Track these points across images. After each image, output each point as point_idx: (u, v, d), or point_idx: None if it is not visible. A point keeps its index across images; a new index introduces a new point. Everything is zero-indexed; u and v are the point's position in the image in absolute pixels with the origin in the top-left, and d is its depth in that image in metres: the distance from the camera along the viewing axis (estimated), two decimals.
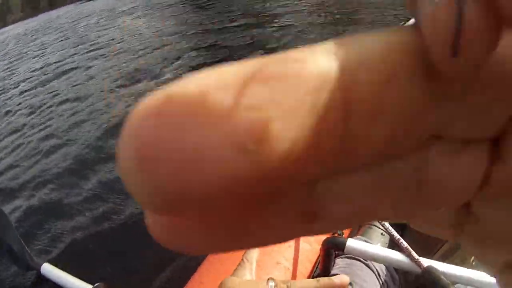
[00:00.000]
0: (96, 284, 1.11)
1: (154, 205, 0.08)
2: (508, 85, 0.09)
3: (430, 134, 0.09)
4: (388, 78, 0.08)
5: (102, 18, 15.45)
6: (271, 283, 0.52)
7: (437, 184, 0.10)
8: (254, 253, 0.70)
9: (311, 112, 0.08)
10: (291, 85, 0.08)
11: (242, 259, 0.68)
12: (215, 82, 0.08)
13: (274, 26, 7.79)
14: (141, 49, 8.45)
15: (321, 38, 6.33)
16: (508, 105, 0.09)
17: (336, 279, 0.58)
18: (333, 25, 7.45)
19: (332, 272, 1.09)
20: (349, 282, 0.57)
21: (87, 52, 9.29)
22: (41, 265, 1.22)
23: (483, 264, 0.15)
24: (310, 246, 1.21)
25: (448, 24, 0.08)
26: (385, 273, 1.17)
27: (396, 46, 0.09)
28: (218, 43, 7.57)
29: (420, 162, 0.10)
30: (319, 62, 0.08)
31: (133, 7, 16.64)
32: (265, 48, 6.49)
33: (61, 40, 12.21)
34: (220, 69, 0.08)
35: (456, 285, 1.10)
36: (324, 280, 0.58)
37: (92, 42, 10.36)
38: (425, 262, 0.88)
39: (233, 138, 0.07)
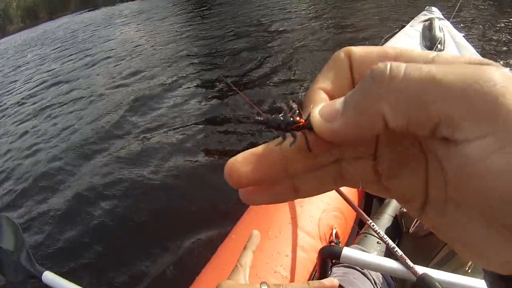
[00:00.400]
0: None
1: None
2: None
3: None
4: None
5: (99, 28, 15.51)
6: (264, 287, 0.53)
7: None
8: (248, 258, 0.71)
9: None
10: None
11: (236, 265, 0.69)
12: None
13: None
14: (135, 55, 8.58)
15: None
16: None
17: (326, 281, 0.59)
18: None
19: None
20: (339, 284, 0.58)
21: (83, 62, 9.36)
22: (42, 273, 1.23)
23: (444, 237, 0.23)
24: (307, 254, 1.21)
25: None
26: (381, 281, 1.18)
27: None
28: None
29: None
30: None
31: (131, 16, 16.74)
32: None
33: (60, 51, 12.24)
34: None
35: None
36: (314, 283, 0.59)
37: (90, 52, 10.40)
38: (420, 270, 0.88)
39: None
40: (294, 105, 0.23)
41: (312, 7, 11.12)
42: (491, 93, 0.17)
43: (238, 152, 0.24)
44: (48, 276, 1.23)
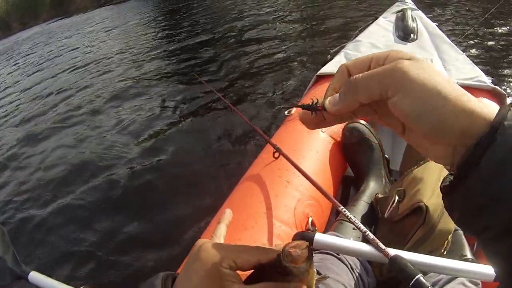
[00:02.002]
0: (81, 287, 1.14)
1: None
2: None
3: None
4: None
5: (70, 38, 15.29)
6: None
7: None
8: (222, 230, 0.75)
9: None
10: None
11: (212, 236, 0.72)
12: None
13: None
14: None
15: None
16: None
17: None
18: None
19: None
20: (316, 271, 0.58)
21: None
22: (29, 273, 1.23)
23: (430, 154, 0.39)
24: (283, 243, 1.21)
25: None
26: (358, 266, 1.18)
27: None
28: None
29: None
30: None
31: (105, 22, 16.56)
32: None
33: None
34: None
35: (429, 274, 1.12)
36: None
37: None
38: (392, 252, 0.89)
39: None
40: (315, 100, 0.46)
41: (289, 2, 11.21)
42: (400, 73, 0.36)
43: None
44: (35, 276, 1.23)
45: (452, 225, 1.20)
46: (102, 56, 9.58)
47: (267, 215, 1.29)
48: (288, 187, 1.43)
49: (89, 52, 10.60)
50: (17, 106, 7.59)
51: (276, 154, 1.55)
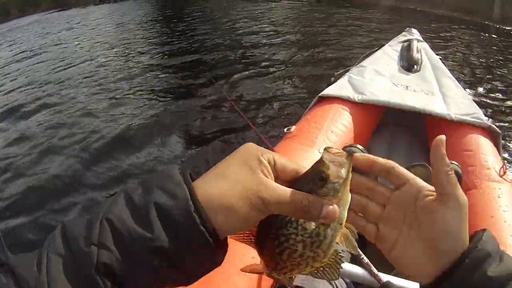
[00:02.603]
0: None
1: None
2: None
3: None
4: None
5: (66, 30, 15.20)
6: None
7: None
8: None
9: None
10: None
11: None
12: None
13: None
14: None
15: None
16: None
17: None
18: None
19: (294, 284, 1.12)
20: None
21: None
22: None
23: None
24: None
25: None
26: (344, 287, 1.21)
27: None
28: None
29: None
30: None
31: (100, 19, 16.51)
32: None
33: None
34: None
35: None
36: None
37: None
38: (384, 277, 0.92)
39: None
40: None
41: (291, 22, 11.31)
42: None
43: None
44: None
45: None
46: (92, 54, 9.40)
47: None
48: None
49: (81, 49, 10.42)
50: None
51: None
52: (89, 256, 0.41)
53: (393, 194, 0.53)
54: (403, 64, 2.87)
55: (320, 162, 0.47)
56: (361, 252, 0.98)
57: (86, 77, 7.26)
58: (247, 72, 6.42)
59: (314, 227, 0.47)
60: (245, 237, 0.50)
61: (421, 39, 3.33)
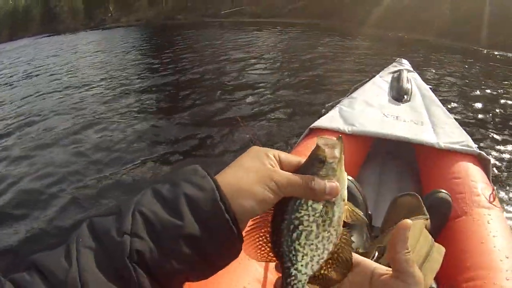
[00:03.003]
0: None
1: None
2: None
3: None
4: None
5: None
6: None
7: None
8: None
9: None
10: None
11: None
12: None
13: None
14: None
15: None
16: None
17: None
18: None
19: None
20: None
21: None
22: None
23: None
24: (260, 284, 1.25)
25: None
26: None
27: None
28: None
29: None
30: None
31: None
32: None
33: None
34: None
35: None
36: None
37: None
38: None
39: None
40: None
41: (277, 51, 11.53)
42: None
43: None
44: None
45: (429, 281, 1.23)
46: (78, 81, 9.62)
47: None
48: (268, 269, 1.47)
49: (67, 75, 10.58)
50: None
51: None
52: (122, 245, 0.44)
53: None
54: (393, 95, 2.93)
55: (316, 147, 0.54)
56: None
57: (72, 107, 7.36)
58: (233, 102, 6.52)
59: (322, 206, 0.53)
60: (262, 245, 0.54)
61: (411, 69, 3.40)
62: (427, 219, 1.55)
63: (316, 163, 0.53)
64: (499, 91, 6.53)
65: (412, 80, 3.10)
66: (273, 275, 1.38)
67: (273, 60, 10.13)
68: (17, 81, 10.65)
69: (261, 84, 7.57)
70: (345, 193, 0.54)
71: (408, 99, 2.86)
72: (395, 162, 2.70)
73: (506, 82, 7.15)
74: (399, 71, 3.22)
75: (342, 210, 0.54)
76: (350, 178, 1.79)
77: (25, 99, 8.52)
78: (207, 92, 7.40)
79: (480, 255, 1.53)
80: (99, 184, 4.09)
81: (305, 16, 22.24)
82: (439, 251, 1.44)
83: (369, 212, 1.78)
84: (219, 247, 0.49)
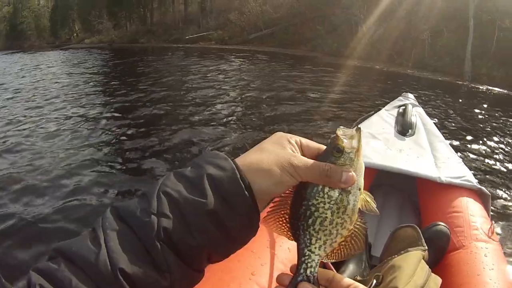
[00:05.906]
0: None
1: None
2: None
3: None
4: None
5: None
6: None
7: None
8: None
9: None
10: None
11: None
12: None
13: None
14: None
15: None
16: None
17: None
18: None
19: None
20: None
21: None
22: None
23: None
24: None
25: None
26: None
27: None
28: None
29: None
30: None
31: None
32: None
33: None
34: None
35: None
36: None
37: None
38: None
39: None
40: None
41: (243, 81, 11.60)
42: None
43: None
44: None
45: None
46: (39, 100, 9.76)
47: (252, 281, 1.39)
48: (275, 258, 1.54)
49: (30, 93, 10.87)
50: None
51: None
52: (149, 224, 0.48)
53: None
54: (398, 129, 2.99)
55: (335, 137, 0.56)
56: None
57: (29, 127, 7.35)
58: (191, 128, 6.63)
59: (337, 194, 0.56)
60: (282, 225, 0.59)
61: (417, 103, 3.47)
62: (425, 251, 1.61)
63: (334, 152, 0.56)
64: (493, 125, 6.68)
65: (417, 115, 3.17)
66: (281, 264, 1.48)
67: (234, 89, 10.31)
68: None
69: (221, 113, 7.70)
70: (361, 183, 0.57)
71: (413, 133, 2.92)
72: (397, 194, 2.75)
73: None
74: (405, 105, 3.28)
75: (358, 198, 0.57)
76: None
77: None
78: (165, 115, 7.63)
79: (475, 287, 1.57)
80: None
81: (273, 44, 22.51)
82: (436, 281, 1.50)
83: (369, 241, 1.84)
84: (240, 222, 0.52)
